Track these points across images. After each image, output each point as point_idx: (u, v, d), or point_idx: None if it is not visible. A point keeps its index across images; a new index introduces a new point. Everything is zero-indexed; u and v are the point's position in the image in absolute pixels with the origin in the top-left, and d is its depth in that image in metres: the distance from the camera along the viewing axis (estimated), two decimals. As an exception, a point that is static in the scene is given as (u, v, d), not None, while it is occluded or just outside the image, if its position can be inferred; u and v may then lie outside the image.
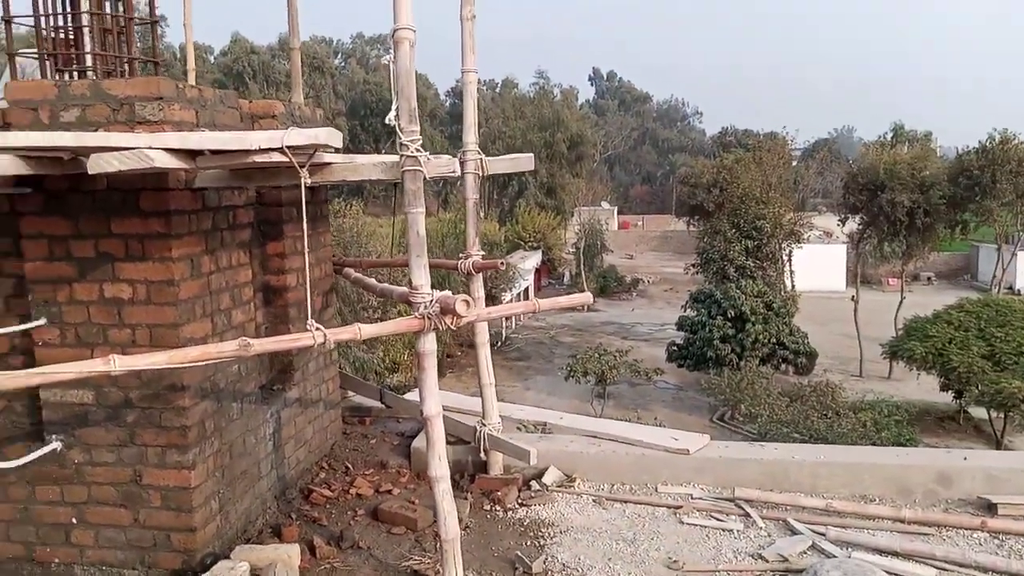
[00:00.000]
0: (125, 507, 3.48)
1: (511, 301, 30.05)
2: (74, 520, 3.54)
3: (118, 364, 2.57)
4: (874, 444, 14.99)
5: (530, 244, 41.70)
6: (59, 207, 3.27)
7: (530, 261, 37.75)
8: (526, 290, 36.22)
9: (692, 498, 4.29)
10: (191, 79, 5.50)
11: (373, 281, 4.47)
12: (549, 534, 3.95)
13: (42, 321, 3.36)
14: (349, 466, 4.77)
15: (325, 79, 56.70)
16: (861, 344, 28.81)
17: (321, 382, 4.86)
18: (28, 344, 3.46)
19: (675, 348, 27.15)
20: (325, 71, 57.54)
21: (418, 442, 4.80)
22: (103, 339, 3.34)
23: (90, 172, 2.62)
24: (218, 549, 3.60)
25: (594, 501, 4.32)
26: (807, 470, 4.42)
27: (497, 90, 64.53)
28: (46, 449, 3.43)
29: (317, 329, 2.91)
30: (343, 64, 71.41)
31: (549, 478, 4.46)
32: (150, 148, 2.57)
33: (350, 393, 5.79)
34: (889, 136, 37.87)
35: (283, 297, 4.38)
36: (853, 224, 33.13)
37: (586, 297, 3.53)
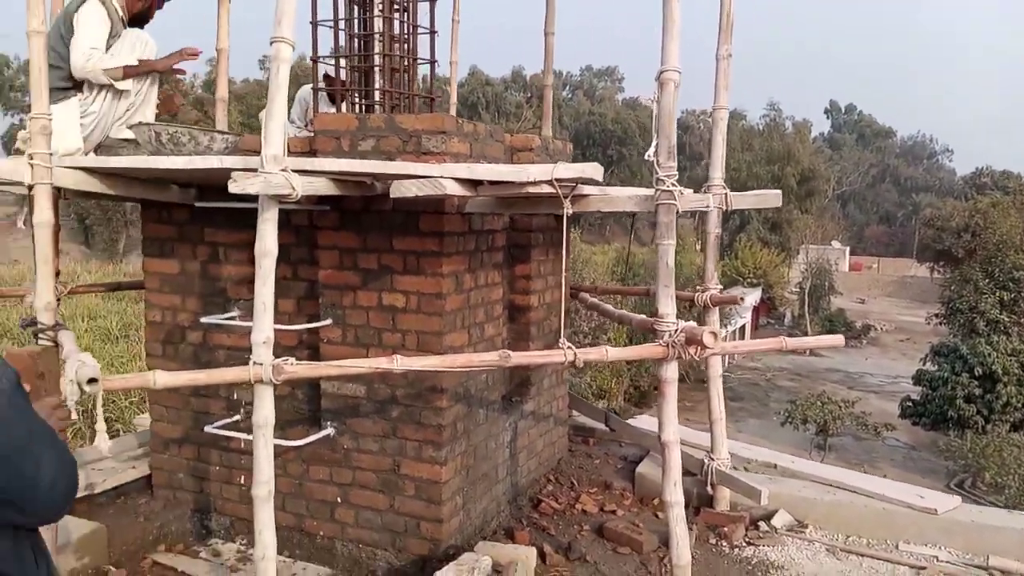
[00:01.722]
0: (383, 493, 3.87)
1: (725, 338, 29.14)
2: (339, 499, 3.98)
3: (400, 363, 2.92)
4: None
5: (749, 281, 40.22)
6: (352, 224, 3.74)
7: (748, 298, 36.41)
8: (742, 328, 34.93)
9: (938, 560, 4.00)
10: (452, 112, 6.03)
11: (610, 307, 4.63)
12: (777, 576, 3.87)
13: (328, 321, 3.84)
14: (574, 482, 4.94)
15: (552, 110, 58.76)
16: None
17: (553, 399, 5.09)
18: (313, 340, 3.97)
19: (910, 404, 24.87)
20: (553, 102, 59.62)
21: (643, 467, 4.88)
22: (378, 341, 3.77)
23: (392, 196, 3.00)
24: (459, 542, 3.89)
25: (827, 550, 4.16)
26: (1078, 548, 3.97)
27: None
28: (322, 434, 3.90)
29: (568, 347, 3.10)
30: (570, 96, 73.46)
31: (779, 521, 4.36)
32: (442, 177, 2.91)
33: (574, 413, 5.98)
34: None
35: (526, 316, 4.65)
36: None
37: (837, 339, 3.45)
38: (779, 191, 4.15)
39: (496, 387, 4.30)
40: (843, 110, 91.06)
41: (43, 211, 3.13)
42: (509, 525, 4.27)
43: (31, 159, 3.08)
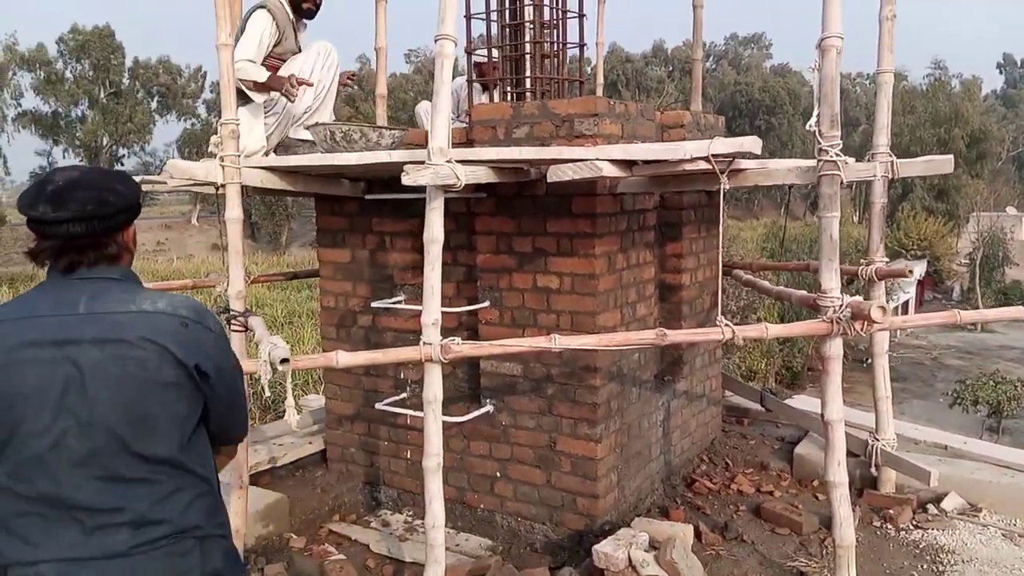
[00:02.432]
0: (540, 468, 4.02)
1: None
2: (498, 474, 4.16)
3: (558, 342, 3.03)
4: None
5: (913, 252, 37.68)
6: (506, 209, 3.89)
7: (913, 272, 34.12)
8: (905, 303, 32.85)
9: None
10: (599, 93, 6.07)
11: (767, 284, 4.55)
12: (949, 561, 3.71)
13: (487, 303, 4.01)
14: (729, 462, 4.91)
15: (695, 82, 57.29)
16: None
17: (706, 378, 5.07)
18: (472, 322, 4.15)
19: (1098, 383, 22.63)
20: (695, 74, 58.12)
21: (802, 448, 4.78)
22: (533, 322, 3.90)
23: (549, 180, 3.11)
24: (614, 519, 3.98)
25: (1004, 535, 3.94)
26: None
27: (882, 84, 59.29)
28: (482, 411, 4.09)
29: (726, 325, 3.11)
30: (714, 66, 71.21)
31: (949, 504, 4.16)
32: (597, 159, 2.98)
33: (727, 393, 5.91)
34: None
35: (677, 295, 4.64)
36: None
37: (1020, 311, 3.24)
38: (950, 156, 3.90)
39: (648, 366, 4.34)
40: (1019, 63, 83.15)
41: (234, 208, 3.45)
42: (663, 503, 4.32)
43: (222, 161, 3.41)
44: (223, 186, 3.45)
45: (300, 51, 4.32)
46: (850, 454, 4.43)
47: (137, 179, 4.35)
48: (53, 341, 1.67)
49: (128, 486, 1.70)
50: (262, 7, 4.05)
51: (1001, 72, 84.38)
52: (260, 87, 4.01)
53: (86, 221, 1.72)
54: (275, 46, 4.10)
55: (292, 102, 4.00)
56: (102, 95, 50.61)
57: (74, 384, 1.66)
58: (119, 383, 1.67)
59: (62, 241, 1.73)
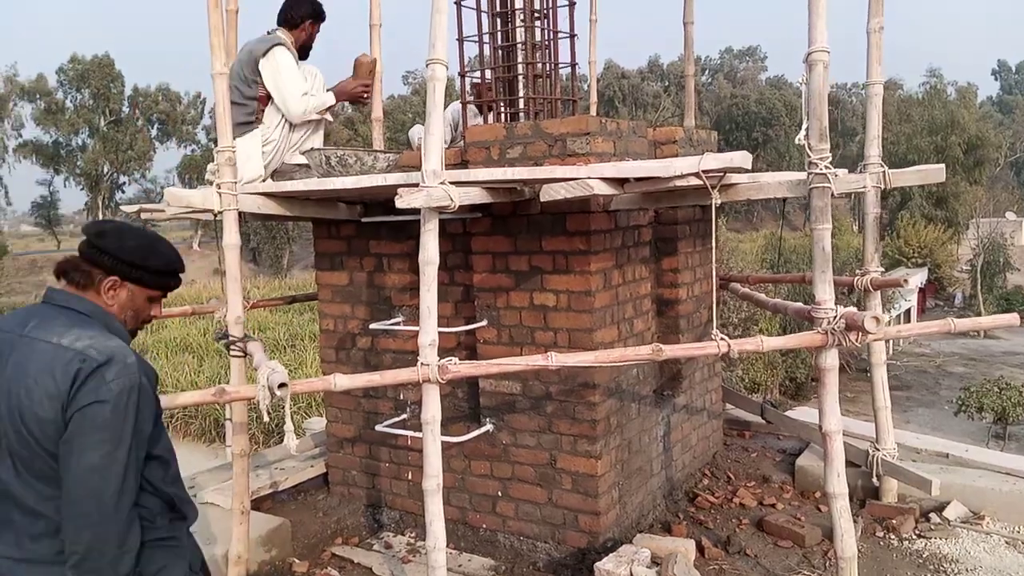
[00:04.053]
0: (541, 486, 4.01)
1: (888, 323, 27.40)
2: (499, 493, 4.16)
3: (555, 360, 3.05)
4: None
5: (914, 261, 37.73)
6: (502, 228, 3.91)
7: (913, 280, 34.12)
8: (907, 312, 32.82)
9: None
10: (593, 111, 6.12)
11: (763, 296, 4.57)
12: (953, 570, 3.70)
13: (484, 323, 4.03)
14: (731, 476, 4.91)
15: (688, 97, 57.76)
16: None
17: (706, 392, 5.07)
18: (470, 341, 4.17)
19: (1104, 387, 22.52)
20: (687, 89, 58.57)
21: (803, 460, 4.77)
22: (531, 340, 3.92)
23: (542, 200, 3.13)
24: (617, 535, 3.98)
25: (1007, 543, 3.93)
26: None
27: (877, 94, 59.63)
28: (482, 430, 4.09)
29: (721, 338, 3.12)
30: (710, 80, 71.61)
31: (952, 512, 4.16)
32: (589, 178, 3.01)
33: (728, 406, 5.92)
34: None
35: (674, 309, 4.66)
36: None
37: (1012, 318, 3.25)
38: (942, 165, 3.92)
39: (647, 381, 4.35)
40: (1014, 70, 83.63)
41: (231, 234, 3.49)
42: (665, 519, 4.31)
43: (219, 188, 3.45)
44: (220, 213, 3.49)
45: None
46: (851, 465, 4.44)
47: (135, 208, 4.41)
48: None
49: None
50: (280, 44, 4.12)
51: (996, 78, 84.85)
52: (334, 106, 4.36)
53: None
54: None
55: (366, 102, 4.64)
56: (102, 124, 50.95)
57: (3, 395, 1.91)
58: (17, 407, 1.88)
59: None
